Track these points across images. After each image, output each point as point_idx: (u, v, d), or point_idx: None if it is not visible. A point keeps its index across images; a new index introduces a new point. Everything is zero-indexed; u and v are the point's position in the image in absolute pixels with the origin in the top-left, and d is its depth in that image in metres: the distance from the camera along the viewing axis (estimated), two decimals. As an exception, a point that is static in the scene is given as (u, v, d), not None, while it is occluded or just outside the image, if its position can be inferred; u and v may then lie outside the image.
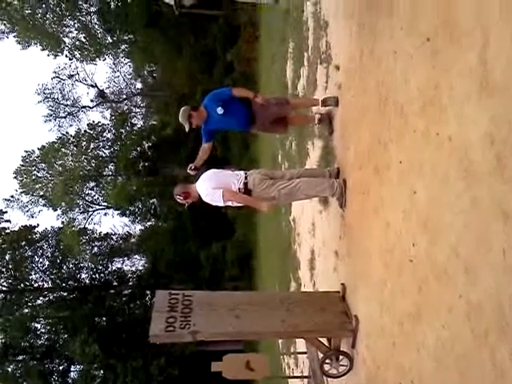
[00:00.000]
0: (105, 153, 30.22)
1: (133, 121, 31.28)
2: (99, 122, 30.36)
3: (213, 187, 4.26)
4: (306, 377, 5.96)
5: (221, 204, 4.32)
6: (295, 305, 4.14)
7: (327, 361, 4.13)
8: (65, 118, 31.68)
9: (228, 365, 4.83)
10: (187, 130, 4.55)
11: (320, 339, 4.19)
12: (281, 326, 3.91)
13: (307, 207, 6.68)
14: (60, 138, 30.08)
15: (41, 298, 27.47)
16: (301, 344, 6.58)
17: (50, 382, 25.81)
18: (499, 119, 1.92)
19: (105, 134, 30.08)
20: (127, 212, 29.10)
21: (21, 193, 29.81)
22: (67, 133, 30.48)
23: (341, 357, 4.08)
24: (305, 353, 5.40)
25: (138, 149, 28.78)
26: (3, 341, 24.50)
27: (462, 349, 2.21)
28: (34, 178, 29.76)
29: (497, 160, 1.93)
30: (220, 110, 4.35)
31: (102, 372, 24.71)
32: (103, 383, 24.21)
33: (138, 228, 30.96)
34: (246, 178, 4.29)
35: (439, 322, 2.44)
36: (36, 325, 26.35)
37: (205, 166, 4.77)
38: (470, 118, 2.15)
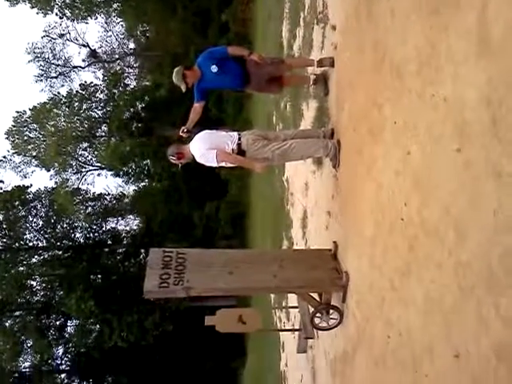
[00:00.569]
0: (97, 113, 29.78)
1: (126, 81, 30.75)
2: (91, 83, 29.78)
3: (206, 148, 4.26)
4: (296, 330, 6.14)
5: (215, 165, 4.33)
6: (287, 262, 4.24)
7: (318, 314, 4.26)
8: (56, 78, 31.08)
9: (221, 319, 4.96)
10: (184, 90, 4.49)
11: (311, 294, 4.31)
12: (273, 282, 4.01)
13: (301, 167, 6.70)
14: (52, 98, 29.55)
15: (36, 257, 27.69)
16: (292, 299, 6.74)
17: (48, 337, 26.38)
18: (496, 80, 1.92)
19: (97, 95, 29.53)
20: (120, 173, 28.98)
21: (13, 153, 29.54)
22: (59, 93, 29.94)
23: (331, 311, 4.21)
24: (296, 307, 5.55)
25: (131, 109, 28.40)
26: (0, 297, 24.85)
27: (449, 304, 2.29)
28: (25, 138, 29.39)
29: (492, 121, 1.94)
30: (214, 69, 4.29)
31: (97, 327, 25.25)
32: (99, 337, 24.76)
33: (131, 188, 31.00)
34: (239, 138, 4.28)
35: (428, 278, 2.52)
36: (32, 282, 26.67)
37: (198, 127, 4.74)
38: (466, 79, 2.16)
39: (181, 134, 4.60)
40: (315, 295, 4.40)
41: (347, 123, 4.19)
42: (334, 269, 4.17)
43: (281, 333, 9.32)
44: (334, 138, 4.47)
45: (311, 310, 4.44)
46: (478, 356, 2.02)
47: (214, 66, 4.28)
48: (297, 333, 6.16)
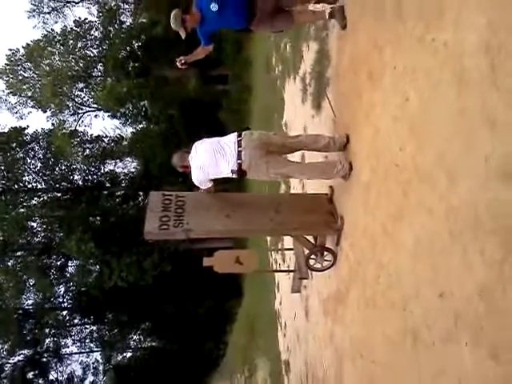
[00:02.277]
0: (93, 52, 29.03)
1: (121, 18, 29.70)
2: (86, 19, 28.78)
3: (203, 180, 4.11)
4: (291, 271, 6.35)
5: (200, 187, 4.24)
6: (284, 205, 4.33)
7: (312, 256, 4.41)
8: (49, 13, 29.96)
9: (219, 260, 5.12)
10: (183, 36, 4.07)
11: (306, 237, 4.44)
12: (269, 224, 4.12)
13: (300, 111, 6.69)
14: (45, 35, 28.63)
15: (35, 199, 27.91)
16: (288, 241, 6.92)
17: (49, 276, 27.07)
18: (496, 25, 1.92)
19: (92, 32, 28.67)
20: (118, 114, 28.64)
21: (8, 93, 29.06)
22: (52, 30, 28.97)
23: (325, 253, 4.34)
24: (291, 249, 5.72)
25: (128, 48, 27.65)
26: (1, 238, 25.27)
27: (437, 247, 2.38)
28: (20, 78, 28.80)
29: (490, 67, 1.95)
30: (214, 7, 3.89)
31: (97, 267, 25.83)
32: (99, 277, 25.37)
33: (129, 130, 30.73)
34: (239, 155, 3.84)
35: (419, 223, 2.61)
36: (32, 223, 27.03)
37: (189, 67, 4.49)
38: (466, 24, 2.14)
39: (178, 63, 4.23)
40: (310, 238, 4.53)
41: (348, 66, 4.15)
42: (329, 213, 4.26)
43: (276, 274, 9.61)
44: (332, 85, 4.41)
45: (306, 251, 4.57)
46: (460, 296, 2.14)
47: (213, 4, 3.89)
48: (292, 274, 6.37)
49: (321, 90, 5.12)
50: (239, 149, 3.84)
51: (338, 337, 4.42)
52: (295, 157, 5.85)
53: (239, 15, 3.98)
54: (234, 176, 3.96)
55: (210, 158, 3.94)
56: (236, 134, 3.99)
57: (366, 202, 3.51)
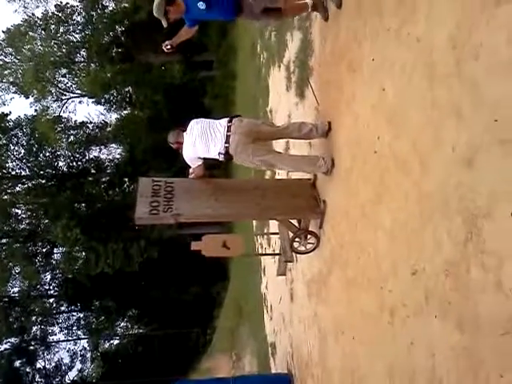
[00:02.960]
0: (76, 37, 28.60)
1: (104, 2, 29.30)
2: (67, 4, 28.31)
3: (192, 158, 4.30)
4: (277, 254, 6.54)
5: (190, 165, 4.40)
6: (269, 190, 4.50)
7: (297, 239, 4.59)
8: (30, -3, 29.46)
9: (206, 244, 5.26)
10: (165, 25, 4.07)
11: (291, 221, 4.61)
12: (255, 208, 4.28)
13: (284, 99, 6.83)
14: (26, 20, 28.18)
15: (19, 186, 27.73)
16: (273, 225, 7.10)
17: (35, 263, 27.00)
18: (462, 23, 2.08)
19: (74, 17, 28.23)
20: (102, 100, 28.44)
21: (-12, 79, 28.65)
22: (33, 14, 28.52)
23: (309, 236, 4.53)
24: (276, 233, 5.90)
25: (111, 33, 27.39)
26: (-15, 225, 25.14)
27: (411, 228, 2.57)
28: (1, 63, 28.38)
29: (456, 63, 2.12)
30: (202, 5, 3.84)
31: (83, 254, 25.80)
32: (86, 264, 25.35)
33: (113, 116, 30.56)
34: (227, 139, 4.03)
35: (395, 206, 2.79)
36: (17, 210, 26.92)
37: (176, 51, 4.45)
38: (438, 20, 2.30)
39: (164, 48, 4.27)
40: (295, 222, 4.71)
41: (329, 56, 4.30)
42: (312, 197, 4.43)
43: (262, 257, 9.82)
44: (315, 73, 4.56)
45: (291, 235, 4.75)
46: (431, 273, 2.33)
47: (200, 3, 3.84)
48: (277, 257, 6.56)
49: (304, 79, 5.27)
50: (228, 133, 4.04)
51: (322, 316, 4.63)
52: (279, 146, 6.03)
53: (226, 12, 4.02)
54: (222, 158, 4.14)
55: (202, 137, 4.16)
56: (227, 119, 4.19)
57: (347, 186, 3.69)
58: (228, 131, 4.06)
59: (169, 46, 4.21)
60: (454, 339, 2.11)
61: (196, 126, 4.26)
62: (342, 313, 3.93)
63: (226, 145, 4.03)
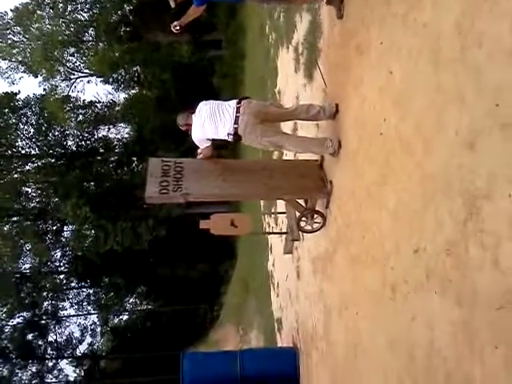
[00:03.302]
0: (84, 16, 28.50)
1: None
2: (76, -18, 28.23)
3: (201, 139, 4.38)
4: (284, 233, 6.67)
5: (199, 145, 4.47)
6: (277, 171, 4.59)
7: (303, 219, 4.70)
8: (37, -25, 29.25)
9: (215, 222, 5.37)
10: (173, 6, 4.11)
11: (298, 200, 4.71)
12: (263, 188, 4.39)
13: (292, 80, 6.86)
14: (34, -2, 28.13)
15: (29, 164, 28.00)
16: (280, 205, 7.22)
17: (45, 241, 27.41)
18: (467, 10, 2.14)
19: (82, -4, 28.20)
20: (110, 79, 28.43)
21: (-2, 58, 28.70)
22: (41, -8, 28.43)
23: (315, 215, 4.63)
24: (284, 213, 6.00)
25: (119, 12, 27.23)
26: (-4, 203, 25.47)
27: (414, 208, 2.66)
28: (10, 42, 28.38)
29: (461, 49, 2.18)
30: None
31: (93, 232, 26.14)
32: (95, 241, 25.72)
33: (122, 96, 30.58)
34: (236, 120, 4.11)
35: (399, 187, 2.88)
36: (27, 189, 27.23)
37: (184, 31, 4.41)
38: (444, 7, 2.36)
39: (172, 29, 4.28)
40: (301, 201, 4.81)
41: (338, 39, 4.34)
42: (319, 178, 4.52)
43: (269, 236, 9.96)
44: (323, 55, 4.57)
45: (297, 214, 4.86)
46: (432, 251, 2.43)
47: None
48: (284, 236, 6.68)
49: (312, 61, 5.31)
50: (237, 114, 4.12)
51: (327, 293, 4.76)
52: (287, 127, 6.09)
53: None
54: (230, 139, 4.23)
55: (211, 119, 4.23)
56: (236, 100, 4.26)
57: (353, 167, 3.77)
58: (237, 112, 4.13)
59: (178, 27, 4.21)
60: (453, 314, 2.22)
61: (205, 108, 4.33)
62: (346, 289, 4.05)
63: (235, 125, 4.10)
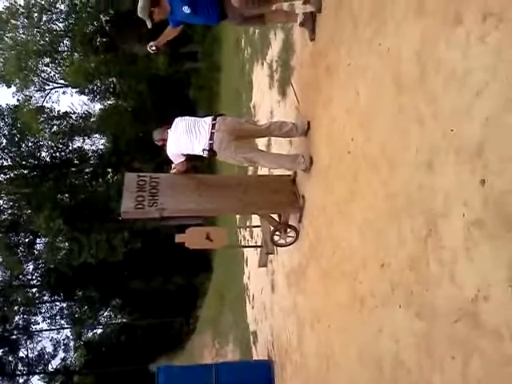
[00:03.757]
0: (59, 26, 28.26)
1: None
2: (51, -9, 28.02)
3: (175, 153, 4.47)
4: (258, 246, 6.75)
5: (173, 160, 4.56)
6: (251, 186, 4.69)
7: (277, 233, 4.79)
8: (11, -16, 28.97)
9: (190, 236, 5.41)
10: (150, 26, 4.05)
11: (272, 215, 4.81)
12: (238, 203, 4.47)
13: (267, 96, 7.00)
14: (8, 7, 27.71)
15: (1, 176, 27.49)
16: (255, 219, 7.30)
17: (17, 253, 26.87)
18: (426, 39, 2.28)
19: (58, 6, 27.92)
20: (86, 90, 28.26)
21: (-29, 67, 28.20)
22: (16, 2, 28.08)
23: (289, 230, 4.73)
24: (258, 226, 6.09)
25: (95, 23, 27.14)
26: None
27: (379, 225, 2.78)
28: (-18, 51, 28.01)
29: (420, 74, 2.32)
30: (187, 10, 3.88)
31: (66, 244, 25.77)
32: (68, 254, 25.34)
33: (97, 107, 30.37)
34: (211, 136, 4.19)
35: (366, 204, 3.00)
36: (-2, 201, 26.74)
37: (166, 45, 4.54)
38: (405, 34, 2.50)
39: (149, 49, 4.34)
40: (275, 216, 4.90)
41: (309, 58, 4.48)
42: (292, 193, 4.63)
43: (244, 249, 10.02)
44: (296, 74, 4.71)
45: (271, 229, 4.95)
46: (396, 266, 2.55)
47: (186, 7, 3.87)
48: (259, 249, 6.76)
49: (286, 78, 5.45)
50: (212, 130, 4.20)
51: (300, 306, 4.85)
52: (261, 143, 6.21)
53: (211, 17, 4.06)
54: (206, 154, 4.31)
55: (186, 134, 4.32)
56: (212, 117, 4.35)
57: (324, 183, 3.89)
58: (212, 129, 4.21)
59: (154, 48, 4.28)
60: (415, 326, 2.33)
61: (181, 124, 4.42)
62: (318, 302, 4.15)
63: (210, 141, 4.18)
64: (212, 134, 4.20)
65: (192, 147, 4.32)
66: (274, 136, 4.68)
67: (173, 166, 4.60)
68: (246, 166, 4.61)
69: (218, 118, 4.30)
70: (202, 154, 4.31)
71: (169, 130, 4.48)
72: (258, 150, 4.61)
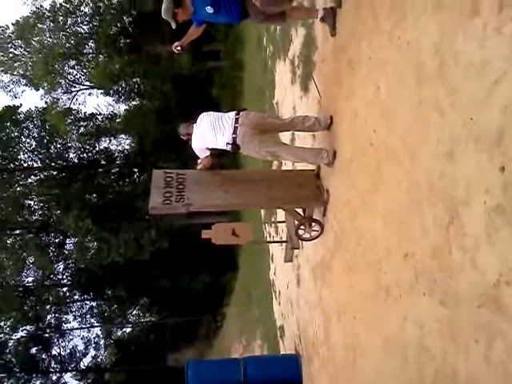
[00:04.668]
0: (84, 29, 28.85)
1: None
2: (75, -5, 28.57)
3: (200, 147, 4.56)
4: (284, 241, 6.82)
5: (199, 155, 4.61)
6: (276, 181, 4.75)
7: (302, 227, 4.85)
8: (37, -12, 29.59)
9: (216, 232, 5.53)
10: (174, 27, 4.16)
11: (296, 209, 4.87)
12: (263, 198, 4.55)
13: (289, 92, 7.06)
14: (34, 12, 28.45)
15: (32, 177, 28.19)
16: (280, 214, 7.38)
17: (48, 253, 27.50)
18: (444, 32, 2.32)
19: (82, 8, 28.49)
20: (111, 91, 28.72)
21: (0, 71, 29.00)
22: (41, 6, 28.76)
23: (313, 224, 4.79)
24: (283, 222, 6.16)
25: (119, 24, 27.58)
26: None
27: (402, 215, 2.83)
28: (11, 55, 28.73)
29: (439, 66, 2.36)
30: (210, 9, 3.96)
31: (95, 244, 26.23)
32: (97, 253, 25.79)
33: (122, 108, 30.85)
34: (235, 131, 4.26)
35: (389, 195, 3.04)
36: (29, 202, 27.39)
37: (190, 44, 4.55)
38: (424, 27, 2.54)
39: (174, 49, 4.46)
40: (300, 210, 4.97)
41: (331, 53, 4.53)
42: (316, 187, 4.68)
43: (270, 245, 10.11)
44: (317, 69, 4.77)
45: (296, 223, 5.01)
46: (420, 255, 2.59)
47: (209, 7, 3.94)
48: (284, 244, 6.83)
49: (308, 73, 5.50)
50: (236, 125, 4.27)
51: (326, 299, 4.90)
52: (285, 138, 6.27)
53: (233, 16, 4.14)
54: (229, 148, 4.38)
55: (211, 128, 4.40)
56: (235, 112, 4.42)
57: (348, 177, 3.94)
58: (236, 123, 4.28)
59: (179, 48, 4.39)
60: (439, 313, 2.38)
61: (206, 118, 4.51)
62: (344, 294, 4.20)
63: (234, 135, 4.25)
64: (235, 128, 4.27)
65: (216, 141, 4.41)
66: (296, 130, 4.74)
67: (198, 161, 4.69)
68: (269, 160, 4.64)
69: (241, 113, 4.38)
70: (225, 147, 4.39)
71: (194, 125, 4.57)
72: (282, 144, 4.67)
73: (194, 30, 4.38)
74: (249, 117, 4.36)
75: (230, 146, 4.32)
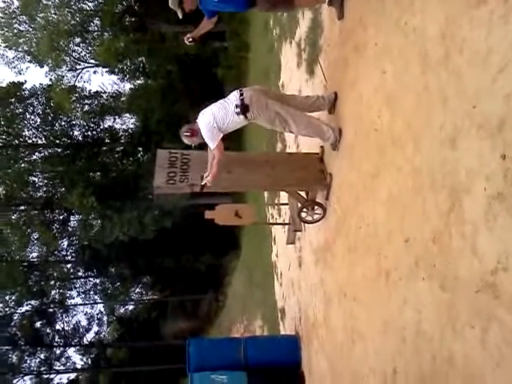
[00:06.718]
0: (89, 6, 28.50)
1: (116, -30, 29.06)
2: (80, -29, 28.25)
3: (211, 128, 4.24)
4: (286, 224, 6.87)
5: (210, 144, 4.26)
6: (279, 163, 4.78)
7: (304, 210, 4.89)
8: (43, -35, 29.24)
9: (219, 213, 5.59)
10: (180, 17, 4.16)
11: (299, 192, 4.91)
12: (267, 179, 4.58)
13: (295, 75, 7.03)
14: (39, -13, 28.17)
15: (36, 154, 28.18)
16: (283, 197, 7.41)
17: (52, 230, 27.68)
18: (450, 20, 2.32)
19: (87, -15, 28.23)
20: (116, 70, 28.51)
21: (4, 47, 28.79)
22: (47, -18, 28.48)
23: (316, 207, 4.83)
24: (286, 204, 6.20)
25: (124, 2, 27.29)
26: (4, 192, 25.71)
27: (404, 200, 2.86)
28: (16, 31, 28.48)
29: (445, 54, 2.36)
30: None
31: (99, 221, 26.39)
32: (101, 231, 25.96)
33: (127, 86, 30.65)
34: (241, 94, 4.18)
35: (391, 180, 3.07)
36: (33, 178, 27.44)
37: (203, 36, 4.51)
38: (431, 14, 2.53)
39: (186, 41, 4.48)
40: (303, 193, 5.00)
41: (337, 37, 4.51)
42: (320, 170, 4.71)
43: (272, 227, 10.17)
44: (324, 54, 4.75)
45: (299, 206, 5.05)
46: (420, 240, 2.62)
47: None
48: (287, 227, 6.88)
49: (314, 57, 5.48)
50: (241, 97, 4.18)
51: (327, 281, 4.97)
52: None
53: (240, 5, 4.16)
54: (238, 111, 4.16)
55: (219, 107, 4.28)
56: (237, 90, 4.33)
57: (351, 161, 3.96)
58: (241, 96, 4.19)
59: (191, 39, 4.40)
60: (438, 298, 2.42)
61: (207, 109, 4.37)
62: (344, 277, 4.25)
63: (241, 97, 4.15)
64: (241, 93, 4.20)
65: (226, 114, 4.21)
66: (300, 110, 4.65)
67: (205, 175, 4.32)
68: (276, 128, 4.45)
69: (243, 88, 4.30)
70: (235, 115, 4.19)
71: (196, 120, 4.40)
72: (291, 108, 4.35)
73: (206, 22, 4.35)
74: (254, 87, 4.36)
75: (239, 108, 4.14)
